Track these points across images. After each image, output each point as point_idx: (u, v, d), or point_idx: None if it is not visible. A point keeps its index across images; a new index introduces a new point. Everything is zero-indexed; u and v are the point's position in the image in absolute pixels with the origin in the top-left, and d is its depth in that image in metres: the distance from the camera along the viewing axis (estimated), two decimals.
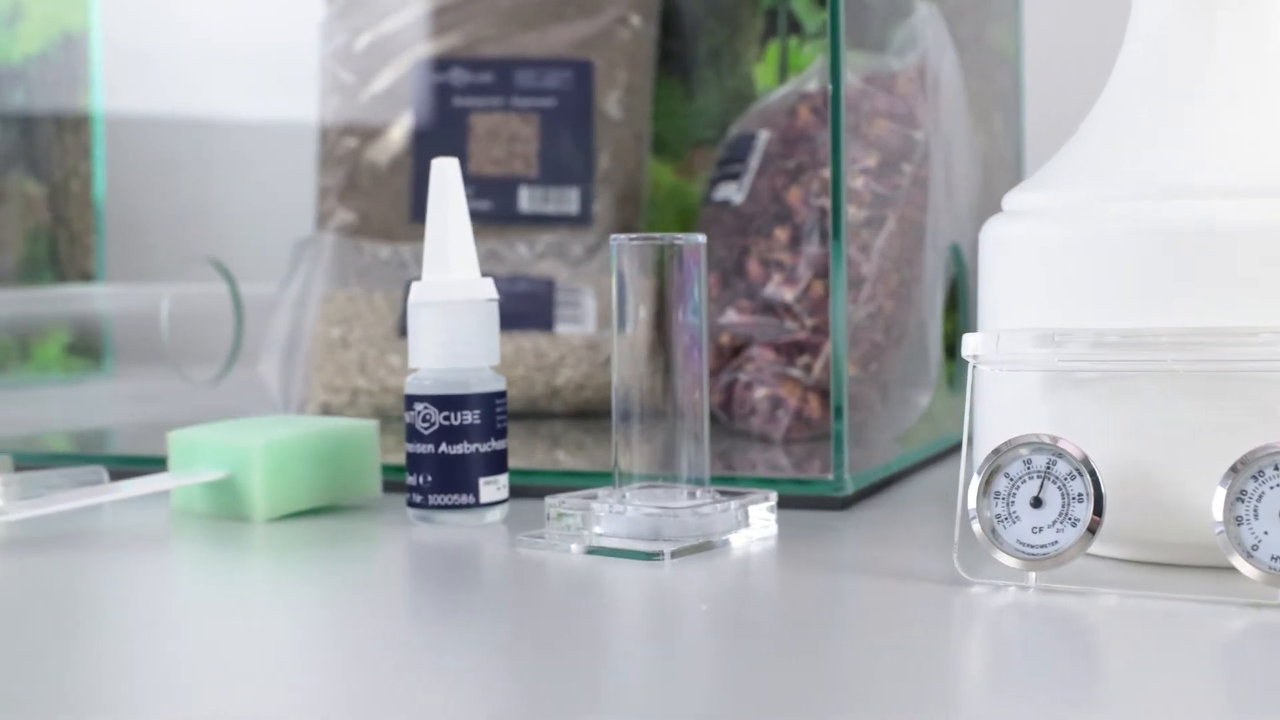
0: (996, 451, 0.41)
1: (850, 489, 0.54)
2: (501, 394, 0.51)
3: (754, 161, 0.72)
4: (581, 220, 0.85)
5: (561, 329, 0.79)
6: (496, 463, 0.50)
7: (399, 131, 0.85)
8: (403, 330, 0.78)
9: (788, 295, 0.67)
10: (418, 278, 0.80)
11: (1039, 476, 0.40)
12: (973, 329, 0.76)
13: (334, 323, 0.79)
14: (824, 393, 0.67)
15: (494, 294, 0.51)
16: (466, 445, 0.50)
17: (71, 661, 0.36)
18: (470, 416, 0.50)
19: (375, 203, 0.85)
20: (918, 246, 0.68)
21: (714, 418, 0.71)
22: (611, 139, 0.86)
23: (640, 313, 0.47)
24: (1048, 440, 0.40)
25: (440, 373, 0.50)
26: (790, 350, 0.67)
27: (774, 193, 0.70)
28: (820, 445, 0.67)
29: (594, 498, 0.48)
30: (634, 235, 0.47)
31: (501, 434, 0.51)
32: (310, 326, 0.80)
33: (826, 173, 0.68)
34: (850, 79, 0.71)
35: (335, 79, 0.87)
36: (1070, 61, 0.94)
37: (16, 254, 1.04)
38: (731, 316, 0.69)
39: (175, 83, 0.99)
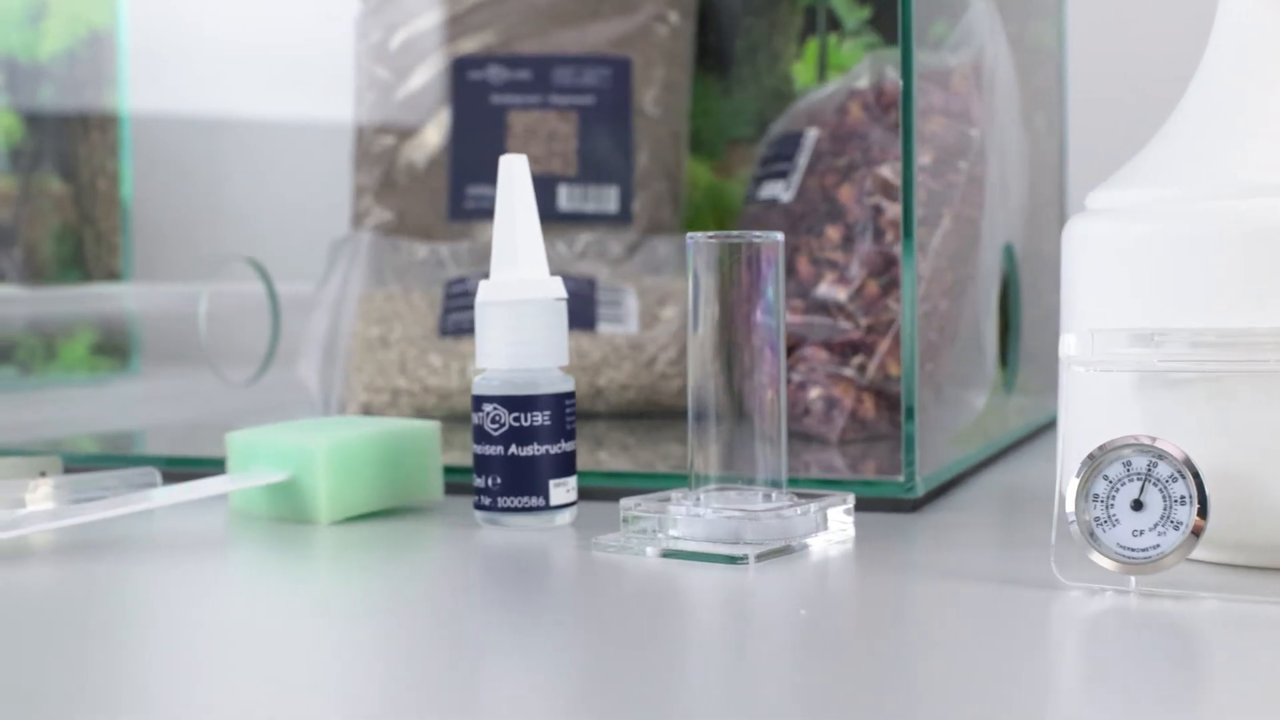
0: (1094, 454, 0.40)
1: (921, 491, 0.53)
2: (571, 394, 0.50)
3: (802, 159, 0.71)
4: (621, 219, 0.84)
5: (604, 329, 0.78)
6: (566, 464, 0.50)
7: (436, 129, 0.84)
8: (444, 330, 0.78)
9: (841, 295, 0.67)
10: (459, 277, 0.80)
11: (1139, 479, 0.39)
12: (1022, 329, 0.75)
13: (373, 322, 0.78)
14: (878, 393, 0.67)
15: (563, 293, 0.50)
16: (536, 447, 0.49)
17: (128, 671, 0.36)
18: (540, 418, 0.49)
19: (412, 201, 0.84)
20: (973, 245, 0.67)
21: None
22: (649, 137, 0.85)
23: (714, 312, 0.47)
24: (1147, 442, 0.39)
25: (509, 373, 0.50)
26: (844, 350, 0.66)
27: (824, 191, 0.69)
28: (874, 446, 0.66)
29: (668, 500, 0.47)
30: (711, 234, 0.47)
31: (571, 435, 0.50)
32: (348, 326, 0.79)
33: (880, 170, 0.67)
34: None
35: (371, 76, 0.86)
36: (1114, 59, 0.93)
37: (43, 253, 1.03)
38: None
39: (203, 80, 0.98)
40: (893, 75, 0.69)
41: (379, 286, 0.80)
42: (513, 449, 0.49)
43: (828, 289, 0.67)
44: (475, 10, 0.86)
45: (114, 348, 1.02)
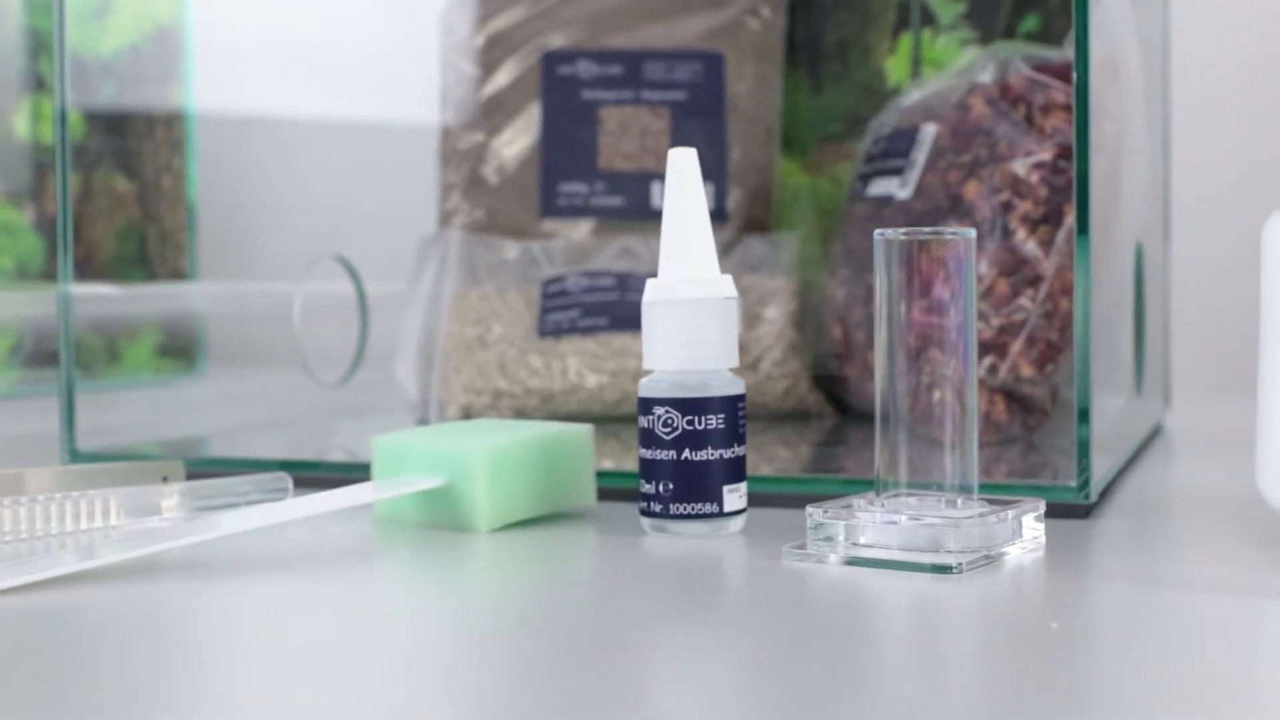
0: None
1: (1094, 496, 0.51)
2: (742, 397, 0.48)
3: (919, 156, 0.70)
4: (716, 217, 0.82)
5: None
6: (738, 469, 0.48)
7: (525, 125, 0.82)
8: (543, 330, 0.76)
9: None
10: (555, 276, 0.78)
11: None
12: (1147, 330, 0.74)
13: (468, 322, 0.77)
14: (1009, 395, 0.65)
15: (733, 291, 0.48)
16: (710, 451, 0.47)
17: (282, 693, 0.34)
18: (714, 421, 0.47)
19: (502, 199, 0.82)
20: (1105, 244, 0.66)
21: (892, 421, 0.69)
22: (742, 133, 0.83)
23: (900, 312, 0.45)
24: None
25: (679, 374, 0.48)
26: None
27: (947, 188, 0.67)
28: (1007, 450, 0.64)
29: (852, 506, 0.45)
30: (902, 230, 0.45)
31: (743, 439, 0.48)
32: (444, 326, 0.77)
33: (1010, 166, 0.66)
34: (1025, 69, 0.68)
35: (457, 71, 0.84)
36: (1217, 53, 0.92)
37: (105, 252, 1.01)
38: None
39: (271, 77, 0.96)
40: (1018, 68, 0.67)
41: (472, 286, 0.79)
42: (685, 453, 0.47)
43: None
44: (563, 4, 0.84)
45: (179, 349, 1.00)
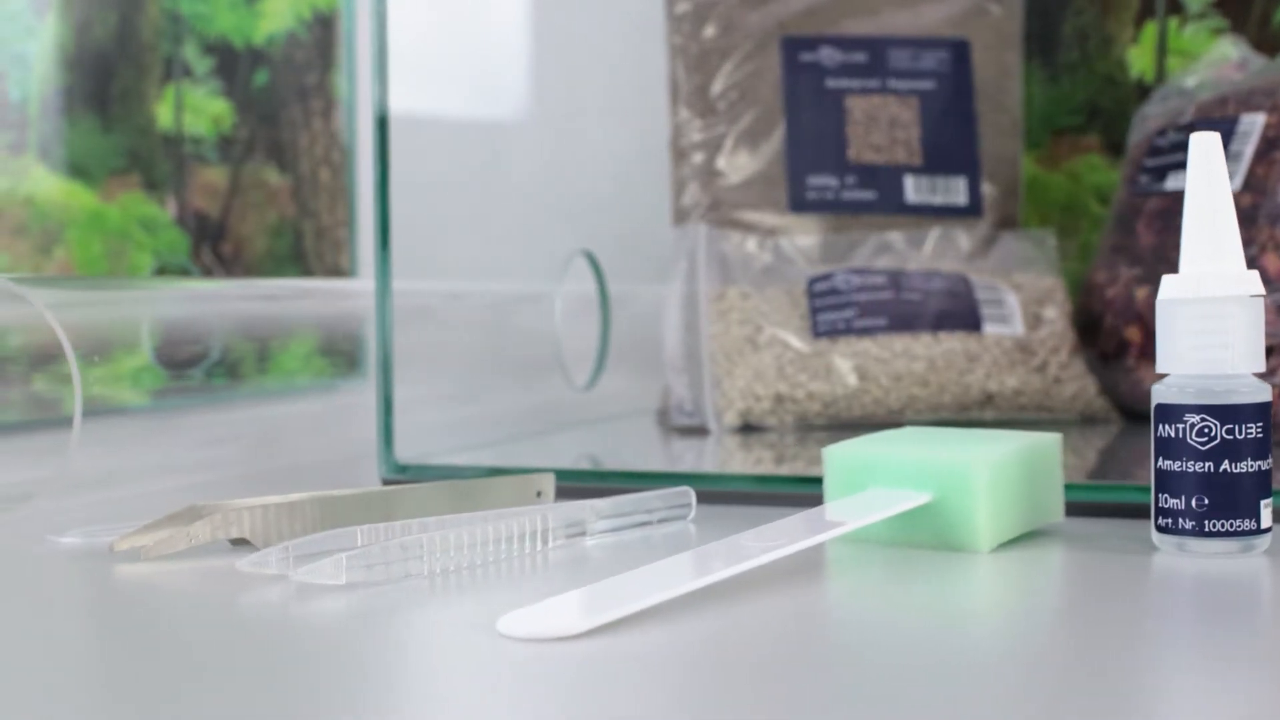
0: None
1: None
2: (1270, 404, 0.44)
3: (1245, 148, 0.66)
4: (970, 212, 0.78)
5: (989, 330, 0.72)
6: (1269, 483, 0.44)
7: (764, 115, 0.78)
8: (817, 331, 0.71)
9: None
10: (822, 274, 0.74)
11: None
12: None
13: (734, 322, 0.72)
14: None
15: (1260, 289, 0.44)
16: (1250, 462, 0.43)
17: None
18: (1251, 430, 0.43)
19: (745, 193, 0.78)
20: None
21: None
22: (990, 124, 0.79)
23: None
24: None
25: (1202, 379, 0.44)
26: None
27: None
28: None
29: None
30: None
31: (1271, 450, 0.44)
32: (706, 327, 0.73)
33: None
34: None
35: (687, 60, 0.79)
36: None
37: (255, 248, 0.94)
38: None
39: (470, 70, 0.90)
40: None
41: (728, 284, 0.74)
42: (1224, 465, 0.43)
43: None
44: None
45: (337, 350, 0.94)
